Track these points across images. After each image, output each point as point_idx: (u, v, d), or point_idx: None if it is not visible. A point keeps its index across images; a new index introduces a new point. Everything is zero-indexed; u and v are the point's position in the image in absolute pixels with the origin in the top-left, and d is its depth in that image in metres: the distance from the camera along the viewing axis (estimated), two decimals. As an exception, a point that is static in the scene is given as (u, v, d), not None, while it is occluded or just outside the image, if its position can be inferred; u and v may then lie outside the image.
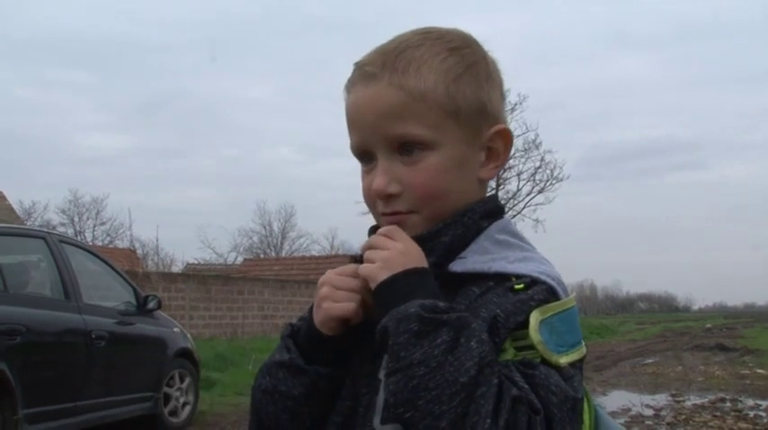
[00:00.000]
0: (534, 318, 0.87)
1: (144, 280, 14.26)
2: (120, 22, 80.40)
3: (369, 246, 0.94)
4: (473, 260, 0.94)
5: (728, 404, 9.34)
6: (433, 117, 0.94)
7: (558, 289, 0.92)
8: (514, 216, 32.57)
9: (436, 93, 0.94)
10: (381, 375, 0.89)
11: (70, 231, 36.08)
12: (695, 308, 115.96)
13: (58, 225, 35.93)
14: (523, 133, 31.69)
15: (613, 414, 8.67)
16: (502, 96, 1.03)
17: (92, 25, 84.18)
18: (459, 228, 0.96)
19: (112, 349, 6.29)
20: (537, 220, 32.02)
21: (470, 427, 0.79)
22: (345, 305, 0.94)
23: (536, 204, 32.23)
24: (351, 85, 0.99)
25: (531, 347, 0.87)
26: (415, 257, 0.91)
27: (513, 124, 32.04)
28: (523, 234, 1.02)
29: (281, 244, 46.39)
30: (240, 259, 38.57)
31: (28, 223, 27.03)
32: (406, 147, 0.95)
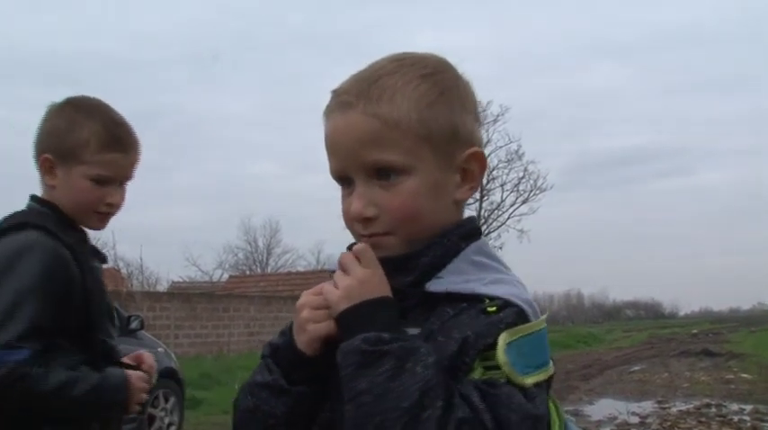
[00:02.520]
0: (502, 339, 0.91)
1: (128, 299, 14.16)
2: (98, 40, 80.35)
3: (340, 265, 0.98)
4: (449, 280, 0.99)
5: (713, 409, 9.39)
6: (407, 143, 0.98)
7: (528, 311, 0.96)
8: (499, 227, 32.75)
9: (410, 120, 0.98)
10: None
11: (53, 252, 35.68)
12: (681, 314, 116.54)
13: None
14: (506, 144, 31.89)
15: (599, 422, 8.71)
16: (476, 118, 1.07)
17: (68, 44, 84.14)
18: (440, 250, 1.01)
19: (95, 371, 6.23)
20: (521, 231, 32.15)
21: None
22: (327, 324, 0.98)
23: (520, 214, 32.38)
24: (329, 112, 1.04)
25: (499, 367, 0.91)
26: (374, 287, 0.96)
27: (496, 135, 32.20)
28: (498, 255, 1.07)
29: (267, 260, 46.26)
30: (226, 276, 38.40)
31: None
32: (382, 172, 0.99)
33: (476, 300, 0.96)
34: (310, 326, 0.98)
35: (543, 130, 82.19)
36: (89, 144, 1.76)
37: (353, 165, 1.00)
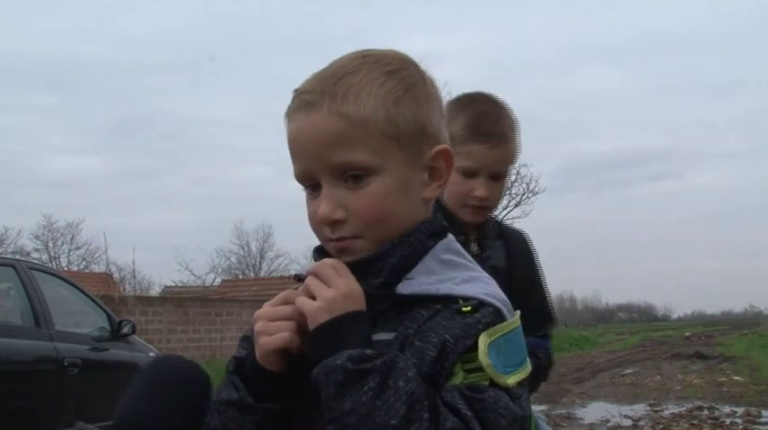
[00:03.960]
0: (483, 341, 0.89)
1: (120, 304, 14.09)
2: (89, 44, 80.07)
3: (314, 274, 0.94)
4: (420, 281, 0.96)
5: (706, 412, 9.41)
6: (374, 142, 0.95)
7: (504, 309, 0.94)
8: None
9: (376, 118, 0.95)
10: None
11: (45, 257, 35.58)
12: (674, 317, 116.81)
13: (32, 251, 35.37)
14: (498, 148, 31.96)
15: (592, 425, 8.71)
16: (442, 115, 1.04)
17: (56, 48, 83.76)
18: (407, 249, 0.98)
19: (86, 376, 6.20)
20: (514, 234, 32.23)
21: None
22: (280, 336, 0.94)
23: (513, 218, 32.44)
24: (291, 113, 1.00)
25: (480, 369, 0.89)
26: (357, 301, 0.93)
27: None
28: (465, 252, 1.04)
29: (260, 264, 46.15)
30: (218, 280, 38.26)
31: (0, 250, 26.67)
32: (349, 174, 0.96)
33: (450, 301, 0.94)
34: (262, 339, 0.94)
35: (535, 134, 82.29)
36: (456, 136, 1.70)
37: (319, 167, 0.97)
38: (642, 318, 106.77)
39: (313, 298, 0.93)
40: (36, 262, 9.94)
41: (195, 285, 38.99)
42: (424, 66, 1.04)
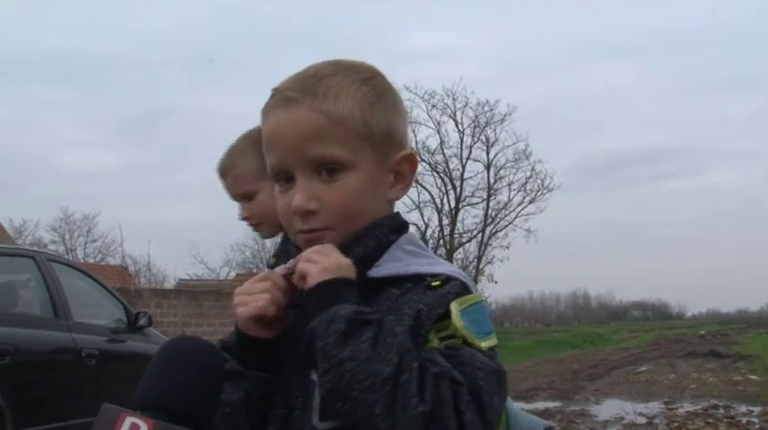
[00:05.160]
0: (454, 307, 0.96)
1: (136, 297, 14.20)
2: (102, 39, 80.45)
3: (306, 259, 0.99)
4: (388, 267, 1.03)
5: (721, 411, 9.37)
6: (350, 140, 1.02)
7: (470, 284, 1.02)
8: (506, 226, 32.70)
9: (353, 118, 1.02)
10: (314, 376, 0.95)
11: (61, 249, 35.89)
12: (689, 315, 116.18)
13: (49, 243, 35.73)
14: (513, 143, 31.91)
15: (606, 422, 8.69)
16: (405, 125, 1.12)
17: (72, 43, 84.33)
18: (371, 241, 1.04)
19: (103, 367, 6.25)
20: (528, 230, 32.16)
21: (401, 409, 0.86)
22: (255, 304, 1.00)
23: (527, 214, 32.39)
24: (269, 110, 1.06)
25: (453, 337, 0.95)
26: (351, 271, 0.98)
27: (503, 135, 32.22)
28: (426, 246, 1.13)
29: (274, 258, 46.24)
30: (233, 274, 38.48)
31: (19, 242, 26.89)
32: (324, 167, 1.02)
33: (419, 279, 1.00)
34: (239, 309, 1.01)
35: (551, 130, 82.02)
36: (251, 172, 1.94)
37: (295, 160, 1.02)
38: (656, 315, 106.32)
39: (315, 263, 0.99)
40: (55, 254, 10.02)
41: (209, 279, 39.22)
42: (390, 78, 1.11)
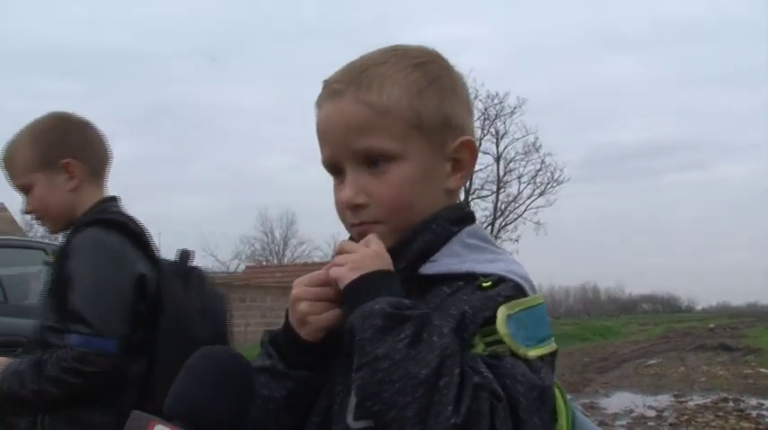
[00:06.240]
0: (501, 312, 0.91)
1: (146, 289, 14.26)
2: (112, 32, 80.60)
3: (339, 251, 0.97)
4: (443, 262, 0.99)
5: (731, 404, 9.33)
6: (397, 130, 0.98)
7: (526, 286, 0.96)
8: (516, 219, 32.68)
9: (400, 106, 0.98)
10: None
11: (72, 241, 35.95)
12: (698, 308, 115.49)
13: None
14: (523, 136, 31.86)
15: (616, 415, 8.68)
16: (467, 108, 1.07)
17: (83, 36, 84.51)
18: (428, 235, 1.00)
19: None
20: (538, 223, 32.19)
21: (435, 416, 0.82)
22: (329, 314, 0.97)
23: (537, 207, 32.39)
24: (320, 102, 1.04)
25: (500, 342, 0.90)
26: (385, 260, 0.95)
27: (513, 127, 32.15)
28: (493, 238, 1.06)
29: (284, 250, 46.45)
30: (243, 267, 38.61)
31: (30, 234, 27.03)
32: (372, 160, 0.99)
33: (471, 278, 0.95)
34: (311, 319, 0.97)
35: (561, 123, 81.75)
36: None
37: (344, 153, 1.00)
38: (666, 308, 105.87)
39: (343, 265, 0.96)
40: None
41: (220, 271, 39.32)
42: (452, 61, 1.07)
